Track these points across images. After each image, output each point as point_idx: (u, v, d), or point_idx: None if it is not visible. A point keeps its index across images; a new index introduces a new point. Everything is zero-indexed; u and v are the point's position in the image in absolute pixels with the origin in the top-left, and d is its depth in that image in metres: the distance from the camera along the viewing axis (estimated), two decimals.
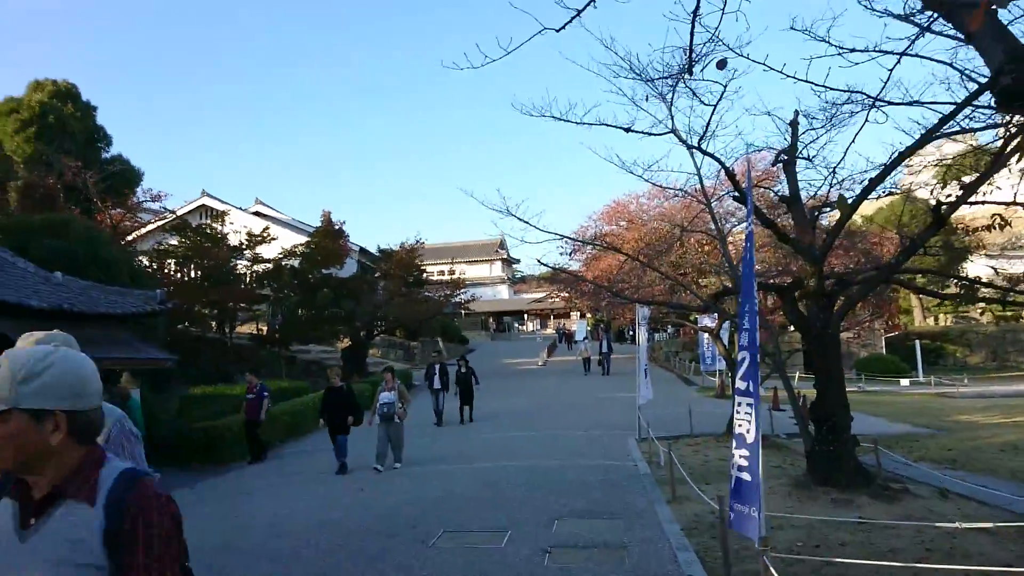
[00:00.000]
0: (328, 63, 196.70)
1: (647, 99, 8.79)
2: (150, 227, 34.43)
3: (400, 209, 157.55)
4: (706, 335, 27.97)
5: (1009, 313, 34.98)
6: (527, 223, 9.93)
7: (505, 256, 77.92)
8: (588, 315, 65.54)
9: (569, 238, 9.15)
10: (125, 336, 15.44)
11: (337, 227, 32.51)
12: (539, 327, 73.31)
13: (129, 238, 35.62)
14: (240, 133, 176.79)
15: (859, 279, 9.22)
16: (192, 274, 31.51)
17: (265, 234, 31.83)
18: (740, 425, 5.26)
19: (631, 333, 62.66)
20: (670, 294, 17.57)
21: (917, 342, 35.06)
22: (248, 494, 11.42)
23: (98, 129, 38.37)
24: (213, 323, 36.12)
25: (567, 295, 45.57)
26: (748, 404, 5.12)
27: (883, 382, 31.08)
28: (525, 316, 75.77)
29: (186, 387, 23.19)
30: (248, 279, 32.47)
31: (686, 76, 7.88)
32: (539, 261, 17.56)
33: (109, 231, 27.90)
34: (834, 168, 9.41)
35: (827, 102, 9.02)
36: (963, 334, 42.32)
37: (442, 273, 39.46)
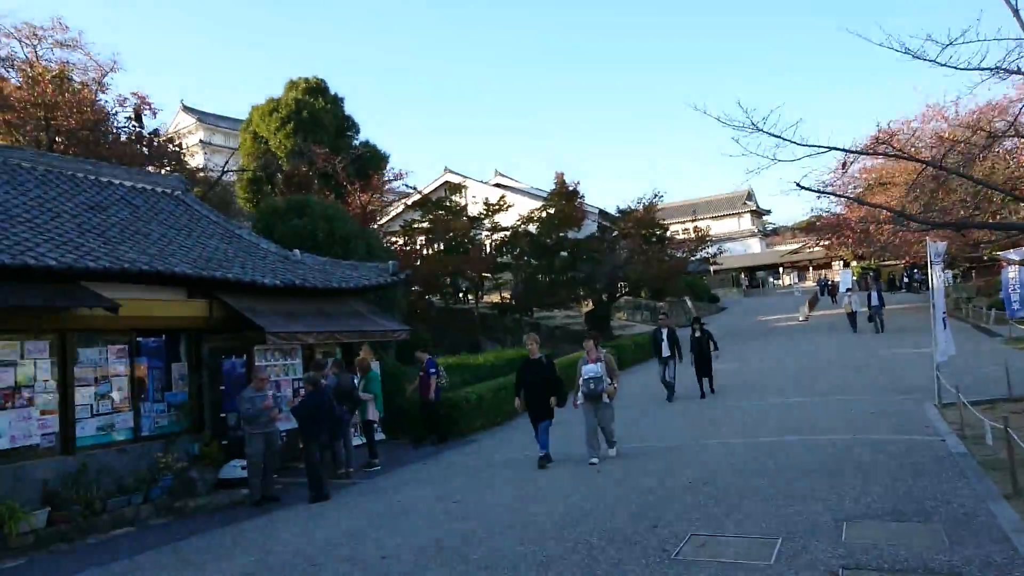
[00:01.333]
0: (563, 21, 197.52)
1: None
2: (396, 205, 35.84)
3: (641, 168, 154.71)
4: (1012, 273, 23.08)
5: None
6: (780, 137, 7.74)
7: (754, 207, 72.82)
8: (853, 263, 59.03)
9: (840, 149, 6.85)
10: (361, 309, 15.41)
11: (571, 188, 31.43)
12: (796, 280, 67.61)
13: (381, 221, 37.63)
14: (481, 108, 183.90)
15: None
16: (436, 247, 32.30)
17: (502, 202, 31.75)
18: None
19: (905, 281, 55.44)
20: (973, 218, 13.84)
21: None
22: (486, 469, 10.56)
23: (346, 119, 40.71)
24: (460, 294, 37.17)
25: (828, 242, 40.86)
26: None
27: None
28: (780, 269, 70.25)
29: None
30: (488, 248, 32.69)
31: None
32: (798, 184, 12.57)
33: (358, 211, 29.22)
34: None
35: None
36: None
37: (686, 232, 37.03)
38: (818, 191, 6.73)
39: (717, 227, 61.28)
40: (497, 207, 31.46)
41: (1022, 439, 7.47)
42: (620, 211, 37.43)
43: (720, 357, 16.55)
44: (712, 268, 53.40)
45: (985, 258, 35.42)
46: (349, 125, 40.75)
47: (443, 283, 29.90)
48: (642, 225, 33.19)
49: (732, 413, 13.37)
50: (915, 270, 53.58)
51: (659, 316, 19.53)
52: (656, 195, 33.40)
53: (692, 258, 34.63)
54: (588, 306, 32.65)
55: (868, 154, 7.71)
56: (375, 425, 12.60)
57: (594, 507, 7.43)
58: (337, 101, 40.30)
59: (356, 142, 40.52)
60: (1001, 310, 28.19)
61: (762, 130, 7.87)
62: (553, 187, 31.98)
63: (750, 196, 72.58)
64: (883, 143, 7.46)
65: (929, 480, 7.29)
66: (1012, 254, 21.23)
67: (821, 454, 9.05)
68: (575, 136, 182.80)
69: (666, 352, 15.87)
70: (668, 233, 37.53)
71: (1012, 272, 22.69)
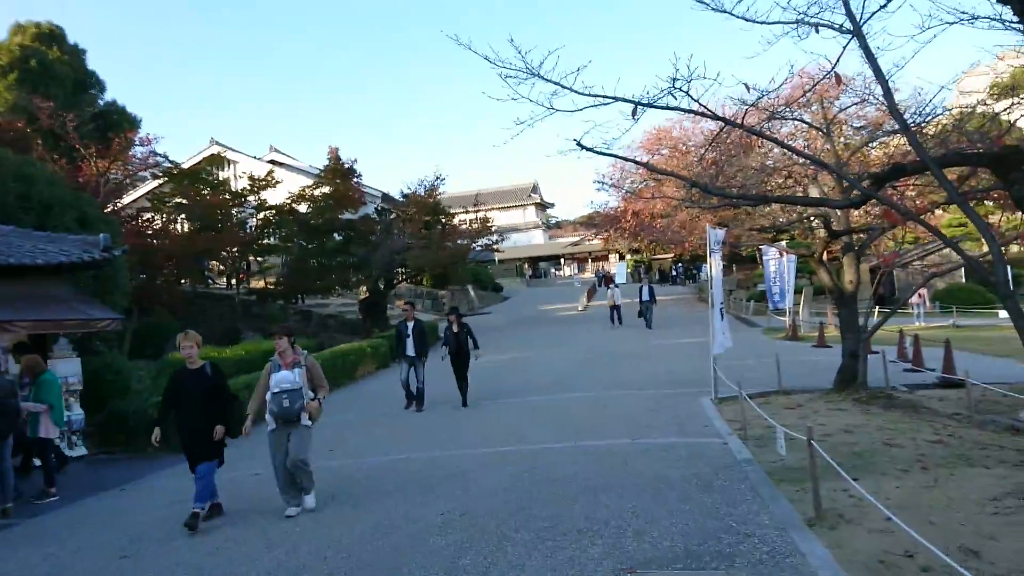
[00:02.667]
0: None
1: None
2: (152, 179, 31.33)
3: (430, 159, 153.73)
4: (773, 266, 24.16)
5: None
6: (559, 84, 6.29)
7: (539, 200, 74.20)
8: (628, 256, 61.70)
9: (627, 100, 5.69)
10: (61, 293, 12.30)
11: (347, 166, 28.99)
12: (576, 271, 69.76)
13: (135, 195, 32.78)
14: (256, 84, 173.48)
15: None
16: (190, 225, 28.56)
17: (270, 178, 28.61)
18: None
19: (674, 274, 58.79)
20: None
21: (1008, 267, 30.58)
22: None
23: (89, 74, 35.30)
24: (223, 278, 33.41)
25: (606, 235, 41.78)
26: None
27: (977, 315, 26.91)
28: (562, 260, 72.23)
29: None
30: (254, 227, 29.48)
31: None
32: (578, 143, 10.85)
33: (93, 179, 24.84)
34: None
35: None
36: None
37: (473, 222, 36.11)
38: (600, 152, 5.70)
39: (503, 218, 61.34)
40: (265, 183, 28.28)
41: (793, 439, 6.53)
42: (404, 196, 35.60)
43: (497, 349, 15.11)
44: (497, 258, 53.19)
45: (744, 253, 37.72)
46: (93, 82, 35.42)
47: (189, 264, 26.31)
48: (424, 210, 31.52)
49: (501, 416, 11.90)
50: (679, 263, 56.91)
51: (404, 306, 15.46)
52: (439, 178, 31.83)
53: (475, 245, 33.49)
54: (364, 293, 30.51)
55: (659, 108, 6.44)
56: (53, 444, 9.72)
57: (309, 562, 5.50)
58: (77, 53, 34.90)
59: (101, 102, 35.31)
60: (760, 301, 29.92)
61: (538, 74, 6.36)
62: (327, 163, 29.35)
63: (535, 188, 73.83)
64: (680, 89, 6.18)
65: (719, 499, 6.16)
66: (771, 250, 22.09)
67: (599, 466, 7.77)
68: (366, 119, 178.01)
69: (410, 350, 13.31)
70: (454, 221, 36.26)
71: (773, 265, 23.74)
